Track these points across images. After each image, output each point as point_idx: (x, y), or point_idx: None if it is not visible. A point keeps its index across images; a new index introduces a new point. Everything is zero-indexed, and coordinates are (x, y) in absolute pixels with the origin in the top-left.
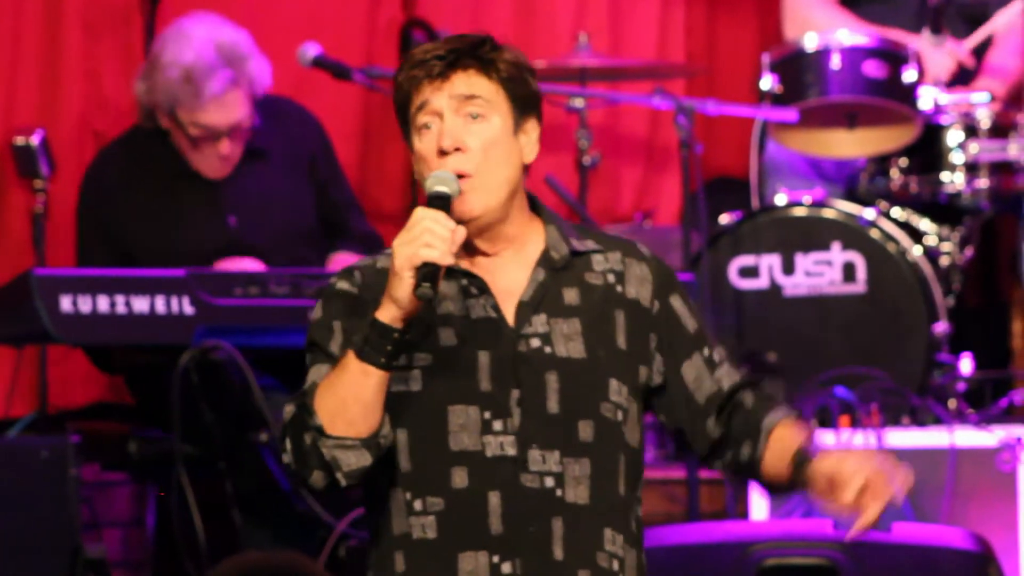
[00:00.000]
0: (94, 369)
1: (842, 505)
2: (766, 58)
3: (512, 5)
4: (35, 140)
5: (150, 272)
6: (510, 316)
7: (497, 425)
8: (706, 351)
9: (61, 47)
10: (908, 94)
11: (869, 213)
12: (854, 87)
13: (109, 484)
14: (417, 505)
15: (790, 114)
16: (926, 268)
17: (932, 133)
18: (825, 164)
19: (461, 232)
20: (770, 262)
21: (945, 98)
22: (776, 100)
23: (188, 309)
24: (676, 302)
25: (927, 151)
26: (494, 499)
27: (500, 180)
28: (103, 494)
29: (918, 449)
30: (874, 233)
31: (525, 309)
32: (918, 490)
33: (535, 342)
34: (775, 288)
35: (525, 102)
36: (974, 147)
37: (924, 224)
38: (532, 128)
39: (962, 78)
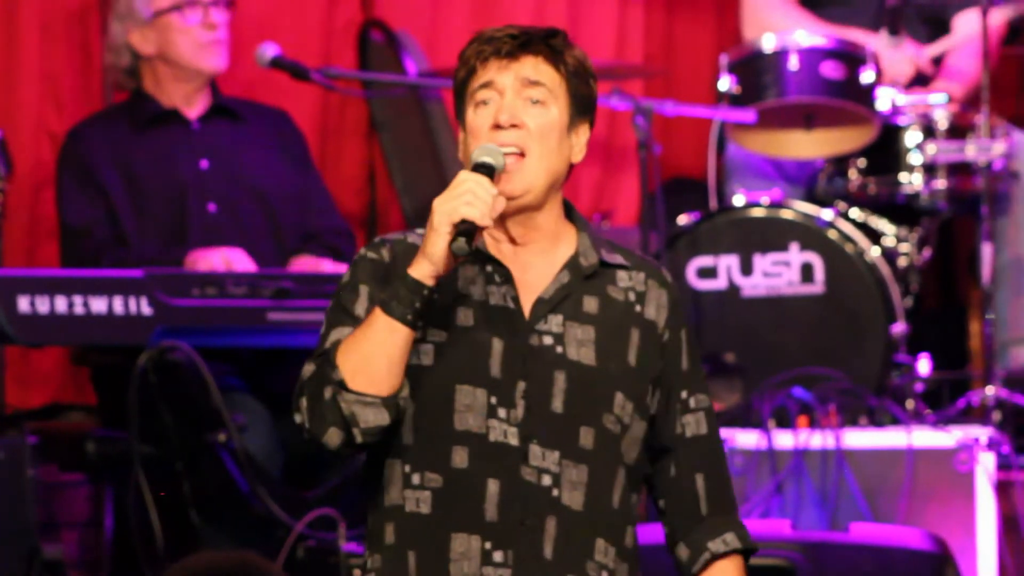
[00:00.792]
0: (52, 370)
1: None
2: (724, 59)
3: (470, 6)
4: None
5: (108, 273)
6: (527, 310)
7: (502, 412)
8: (684, 393)
9: (18, 48)
10: (866, 95)
11: (827, 214)
12: (812, 88)
13: (66, 485)
14: (415, 479)
15: (748, 115)
16: (884, 269)
17: (890, 134)
18: (785, 165)
19: (501, 201)
20: (728, 263)
21: (903, 99)
22: (734, 101)
23: (146, 310)
24: (683, 336)
25: (885, 152)
26: (493, 486)
27: (547, 167)
28: (60, 495)
29: (876, 449)
30: (832, 234)
31: (543, 306)
32: (876, 490)
33: (547, 339)
34: (733, 289)
35: (583, 103)
36: (932, 148)
37: (882, 225)
38: (584, 132)
39: (920, 80)
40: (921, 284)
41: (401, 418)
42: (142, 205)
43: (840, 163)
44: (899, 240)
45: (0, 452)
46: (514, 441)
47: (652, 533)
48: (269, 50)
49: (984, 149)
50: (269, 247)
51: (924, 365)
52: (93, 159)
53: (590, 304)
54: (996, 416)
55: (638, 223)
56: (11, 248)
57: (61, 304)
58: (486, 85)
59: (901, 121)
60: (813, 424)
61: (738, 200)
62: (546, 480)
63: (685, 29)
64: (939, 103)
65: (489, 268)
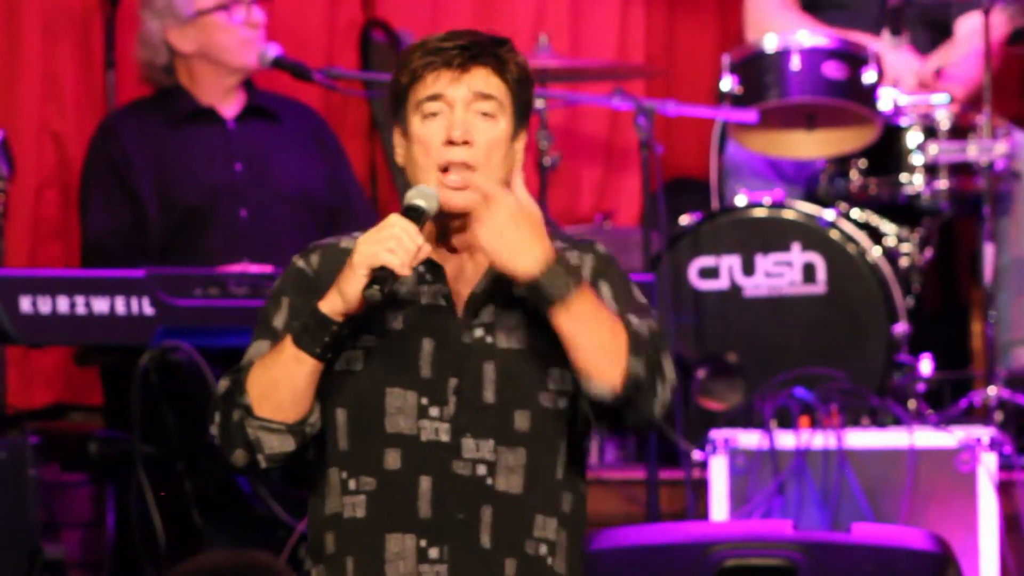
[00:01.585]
0: (54, 370)
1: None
2: (726, 59)
3: (472, 6)
4: None
5: (110, 273)
6: (460, 307)
7: (433, 411)
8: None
9: (19, 48)
10: (868, 95)
11: (829, 214)
12: (814, 88)
13: (68, 485)
14: (351, 484)
15: (750, 115)
16: (886, 269)
17: (892, 134)
18: (786, 165)
19: (426, 250)
20: (730, 263)
21: (905, 99)
22: (736, 101)
23: (148, 310)
24: (604, 287)
25: (887, 152)
26: (425, 483)
27: (495, 179)
28: (62, 495)
29: (878, 450)
30: (834, 234)
31: (475, 300)
32: (878, 491)
33: (479, 332)
34: (735, 289)
35: (525, 111)
36: (933, 148)
37: (884, 225)
38: (523, 138)
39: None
40: (923, 284)
41: (334, 426)
42: (171, 207)
43: (842, 163)
44: (901, 240)
45: (2, 452)
46: (445, 438)
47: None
48: (271, 50)
49: (986, 149)
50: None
51: (926, 365)
52: (125, 158)
53: (520, 288)
54: (998, 416)
55: (640, 223)
56: (13, 248)
57: (63, 304)
58: (435, 97)
59: (903, 121)
60: (815, 424)
61: (740, 200)
62: (481, 470)
63: (687, 29)
64: (941, 103)
65: (421, 268)
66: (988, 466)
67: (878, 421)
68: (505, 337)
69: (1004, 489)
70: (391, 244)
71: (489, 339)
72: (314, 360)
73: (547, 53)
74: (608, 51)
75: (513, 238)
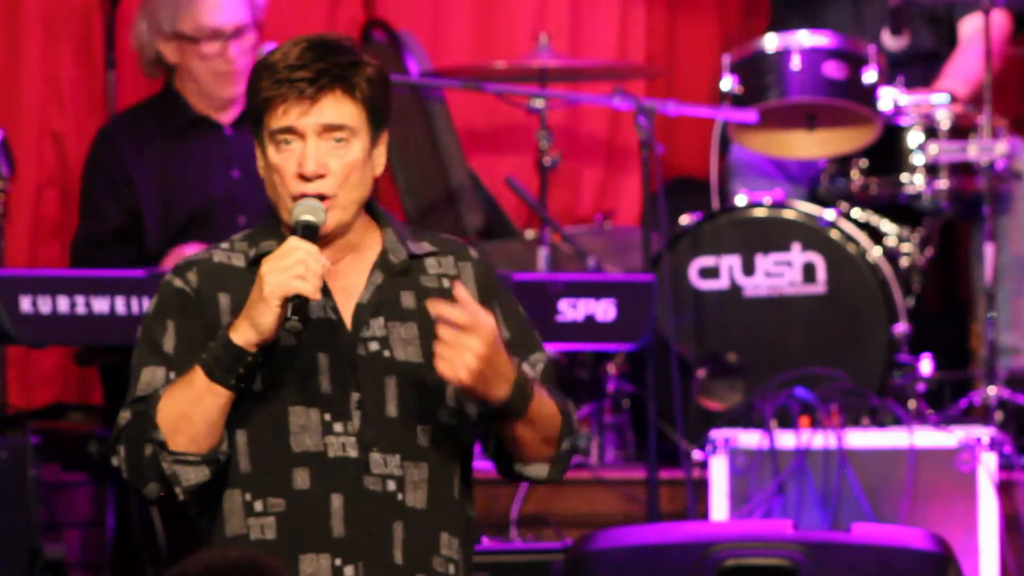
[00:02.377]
0: (54, 370)
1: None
2: (726, 59)
3: (472, 5)
4: None
5: (110, 273)
6: (348, 318)
7: (338, 427)
8: (530, 359)
9: (20, 48)
10: (868, 95)
11: (829, 214)
12: (814, 88)
13: (69, 485)
14: (257, 506)
15: (750, 115)
16: (886, 269)
17: (892, 134)
18: (789, 164)
19: (327, 264)
20: (730, 263)
21: (905, 99)
22: (736, 101)
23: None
24: (496, 308)
25: (887, 152)
26: (336, 501)
27: (355, 199)
28: (62, 495)
29: (878, 450)
30: (834, 234)
31: (363, 312)
32: (878, 490)
33: (373, 345)
34: (735, 289)
35: (381, 117)
36: (934, 148)
37: (884, 225)
38: (383, 140)
39: (923, 80)
40: (923, 284)
41: (233, 447)
42: (170, 213)
43: (842, 163)
44: (901, 240)
45: (2, 452)
46: (353, 453)
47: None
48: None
49: (986, 149)
50: None
51: (926, 365)
52: (122, 166)
53: (407, 300)
54: (998, 416)
55: (640, 223)
56: (13, 248)
57: (63, 304)
58: (287, 130)
59: (903, 121)
60: (815, 424)
61: (740, 200)
62: (391, 485)
63: (687, 29)
64: (941, 103)
65: (307, 319)
66: (988, 466)
67: (878, 421)
68: (402, 350)
69: (1004, 489)
70: (299, 270)
71: (386, 353)
72: (228, 391)
73: (547, 53)
74: (608, 51)
75: (495, 365)
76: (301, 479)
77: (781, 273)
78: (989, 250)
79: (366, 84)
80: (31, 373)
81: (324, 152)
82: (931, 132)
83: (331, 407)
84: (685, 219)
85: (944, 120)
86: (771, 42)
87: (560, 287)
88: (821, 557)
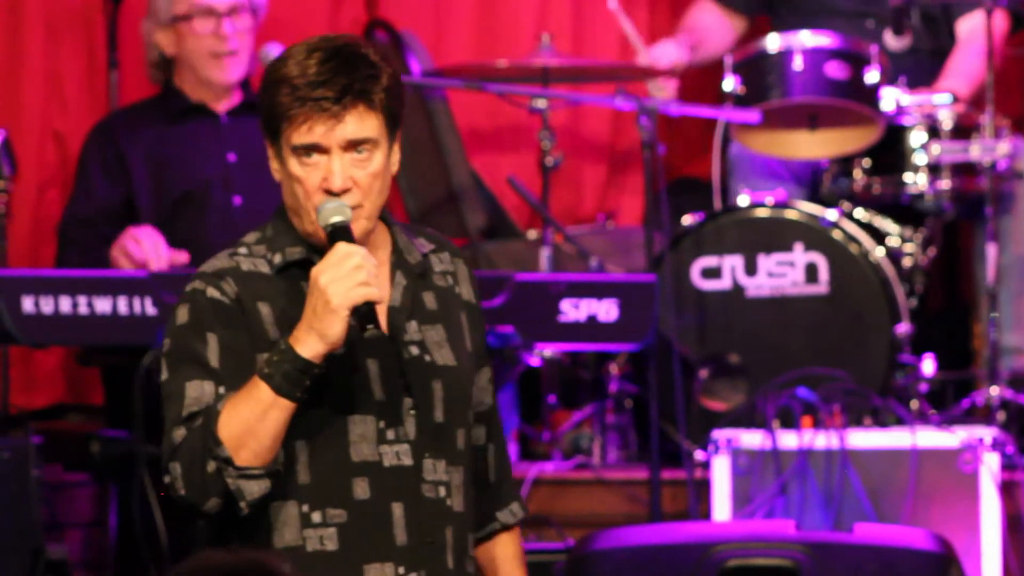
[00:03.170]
0: (56, 370)
1: None
2: (728, 59)
3: (474, 5)
4: None
5: (112, 273)
6: (383, 322)
7: (391, 434)
8: (488, 368)
9: (22, 48)
10: (870, 95)
11: (831, 214)
12: (816, 88)
13: (71, 485)
14: (315, 517)
15: (752, 115)
16: (888, 269)
17: (895, 134)
18: (792, 164)
19: (376, 265)
20: (732, 263)
21: (907, 99)
22: (738, 101)
23: (150, 310)
24: (477, 310)
25: (890, 152)
26: (397, 510)
27: (380, 207)
28: (65, 495)
29: (880, 450)
30: (836, 234)
31: (398, 315)
32: (880, 491)
33: (414, 350)
34: (737, 289)
35: (397, 119)
36: (936, 148)
37: (887, 225)
38: (398, 138)
39: (925, 79)
40: (925, 284)
41: (291, 458)
42: (164, 194)
43: (845, 163)
44: (904, 240)
45: (5, 452)
46: (408, 460)
47: (652, 533)
48: (273, 50)
49: (988, 149)
50: None
51: (928, 365)
52: (118, 154)
53: (429, 301)
54: (1000, 416)
55: (642, 223)
56: (15, 248)
57: (65, 304)
58: (312, 148)
59: (906, 121)
60: (817, 424)
61: (742, 200)
62: (442, 491)
63: None
64: (943, 103)
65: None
66: (990, 466)
67: (880, 421)
68: (438, 353)
69: (1006, 489)
70: (360, 277)
71: (427, 357)
72: (293, 404)
73: (549, 53)
74: (610, 51)
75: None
76: (361, 489)
77: (783, 273)
78: (991, 250)
79: (384, 94)
80: (33, 373)
81: (348, 166)
82: (933, 132)
83: (385, 414)
84: (687, 219)
85: (946, 120)
86: (773, 42)
87: (562, 287)
88: (823, 557)
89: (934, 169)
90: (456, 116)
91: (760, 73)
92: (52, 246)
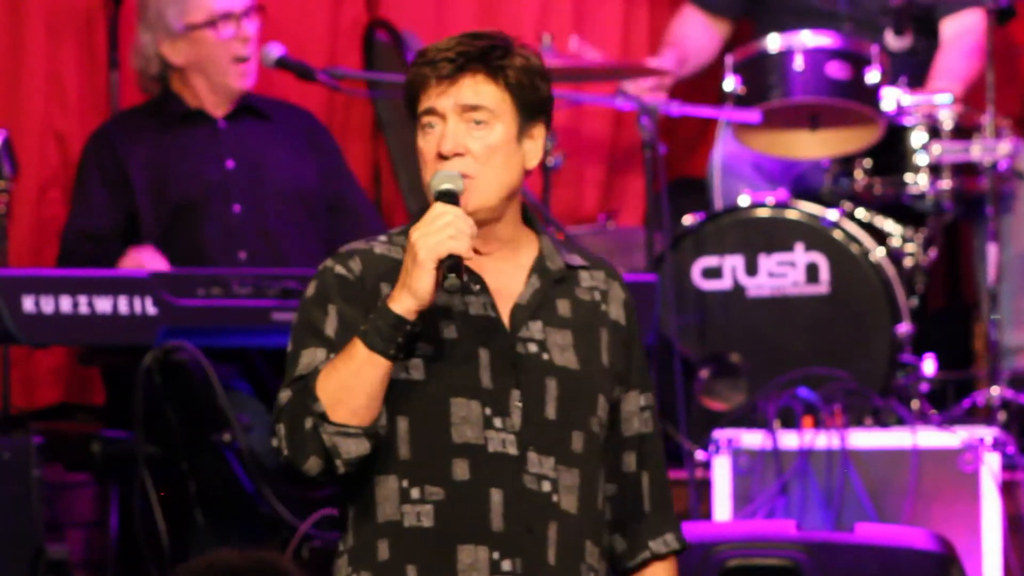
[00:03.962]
0: (57, 370)
1: None
2: (729, 59)
3: (475, 5)
4: None
5: (113, 273)
6: (505, 317)
7: (497, 422)
8: (638, 391)
9: (23, 48)
10: (871, 95)
11: (832, 214)
12: (817, 88)
13: (72, 485)
14: (414, 493)
15: (753, 115)
16: (889, 269)
17: (895, 134)
18: (770, 165)
19: (475, 228)
20: (733, 263)
21: (908, 99)
22: (739, 101)
23: (151, 310)
24: (638, 336)
25: (891, 152)
26: (496, 496)
27: (498, 184)
28: (66, 495)
29: (881, 450)
30: (837, 234)
31: (522, 313)
32: (881, 491)
33: (532, 347)
34: (738, 289)
35: (533, 108)
36: (937, 148)
37: (888, 225)
38: (539, 133)
39: (918, 80)
40: (926, 284)
41: (393, 433)
42: (164, 202)
43: (846, 163)
44: (904, 240)
45: (6, 452)
46: (513, 450)
47: None
48: (274, 50)
49: (989, 149)
50: (294, 249)
51: (929, 365)
52: (116, 164)
53: (563, 307)
54: (1001, 416)
55: (643, 223)
56: (16, 248)
57: (66, 304)
58: (428, 112)
59: (906, 121)
60: (818, 424)
61: (743, 200)
62: (546, 486)
63: None
64: (944, 103)
65: (464, 277)
66: (991, 466)
67: (881, 421)
68: (560, 355)
69: (1007, 489)
70: (451, 231)
71: (545, 355)
72: (388, 362)
73: (550, 53)
74: (611, 50)
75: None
76: (460, 470)
77: (784, 273)
78: (992, 250)
79: (513, 72)
80: (34, 373)
81: (462, 132)
82: (934, 132)
83: (492, 402)
84: (688, 219)
85: (947, 120)
86: (774, 42)
87: None
88: (824, 557)
89: (935, 169)
90: None
91: (761, 73)
92: (53, 246)
